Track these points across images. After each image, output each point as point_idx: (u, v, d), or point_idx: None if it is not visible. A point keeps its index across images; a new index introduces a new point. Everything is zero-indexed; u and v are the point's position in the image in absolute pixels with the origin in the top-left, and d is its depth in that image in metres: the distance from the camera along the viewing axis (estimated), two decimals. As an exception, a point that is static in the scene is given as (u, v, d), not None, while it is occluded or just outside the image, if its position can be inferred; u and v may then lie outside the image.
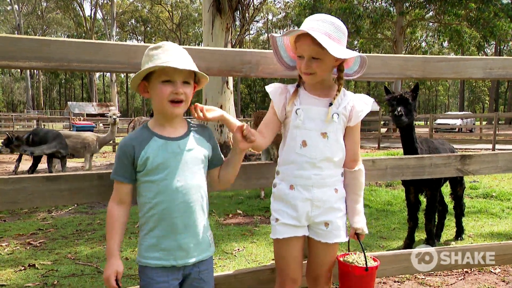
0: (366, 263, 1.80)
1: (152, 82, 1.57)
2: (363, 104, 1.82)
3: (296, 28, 1.72)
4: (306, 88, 1.83)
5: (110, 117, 8.80)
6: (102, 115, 35.17)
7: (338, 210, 1.82)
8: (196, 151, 1.64)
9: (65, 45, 1.64)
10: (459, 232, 4.22)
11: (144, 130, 1.63)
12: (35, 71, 49.96)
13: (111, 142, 16.60)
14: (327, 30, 1.65)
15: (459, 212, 4.23)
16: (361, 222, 1.85)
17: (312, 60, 1.69)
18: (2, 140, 7.56)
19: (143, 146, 1.57)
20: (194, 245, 1.61)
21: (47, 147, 7.42)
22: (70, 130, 15.92)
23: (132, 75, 1.72)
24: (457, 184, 4.19)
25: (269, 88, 1.87)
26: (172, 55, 1.53)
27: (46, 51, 1.61)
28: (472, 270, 3.32)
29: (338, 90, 1.79)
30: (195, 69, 1.56)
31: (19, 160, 8.96)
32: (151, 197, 1.58)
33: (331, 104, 1.76)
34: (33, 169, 8.03)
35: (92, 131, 16.72)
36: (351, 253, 1.91)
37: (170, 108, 1.56)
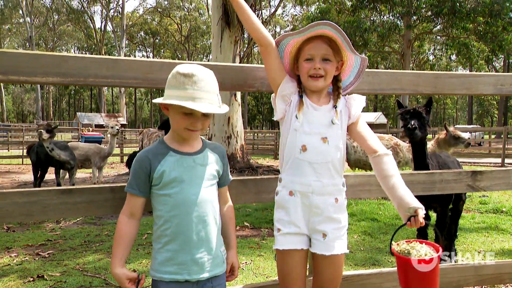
0: (440, 243, 1.63)
1: (173, 107, 1.56)
2: (359, 98, 1.88)
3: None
4: (306, 95, 1.85)
5: (112, 127, 8.35)
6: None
7: (336, 221, 1.81)
8: (209, 166, 1.67)
9: (83, 61, 1.68)
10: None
11: (161, 144, 1.66)
12: (45, 82, 50.56)
13: (120, 153, 16.85)
14: (340, 33, 1.71)
15: (454, 230, 4.02)
16: (417, 200, 1.71)
17: (323, 62, 1.74)
18: (42, 131, 7.28)
19: (159, 160, 1.59)
20: (208, 260, 1.62)
21: (64, 153, 7.42)
22: (78, 141, 16.05)
23: (143, 89, 1.74)
24: (459, 198, 4.00)
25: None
26: (200, 90, 1.52)
27: (63, 67, 1.65)
28: None
29: (338, 97, 1.83)
30: (217, 110, 1.56)
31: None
32: (166, 210, 1.59)
33: (335, 107, 1.80)
34: (40, 180, 8.08)
35: (100, 142, 16.82)
36: (401, 242, 1.75)
37: (187, 134, 1.60)
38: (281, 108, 1.83)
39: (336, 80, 1.85)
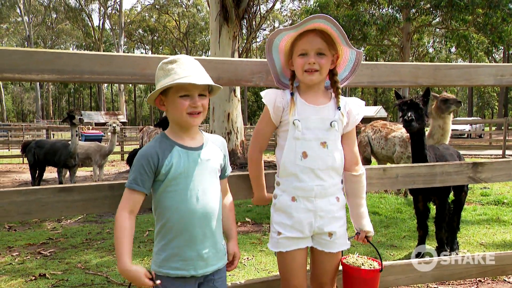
0: (381, 261, 1.87)
1: (169, 96, 1.58)
2: (358, 107, 1.85)
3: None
4: (301, 96, 1.81)
5: (110, 125, 8.46)
6: (110, 123, 35.32)
7: (340, 219, 1.83)
8: (213, 161, 1.66)
9: (78, 58, 1.66)
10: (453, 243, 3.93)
11: (164, 139, 1.62)
12: (44, 81, 50.77)
13: (120, 151, 16.83)
14: (336, 26, 1.68)
15: (457, 223, 4.00)
16: (369, 225, 1.91)
17: (318, 56, 1.71)
18: (75, 116, 7.20)
19: (166, 155, 1.56)
20: (213, 254, 1.63)
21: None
22: (79, 139, 16.00)
23: (141, 86, 1.74)
24: (461, 190, 3.99)
25: (266, 97, 1.82)
26: (188, 69, 1.55)
27: (58, 64, 1.63)
28: (486, 279, 3.27)
29: (337, 94, 1.81)
30: (211, 82, 1.58)
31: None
32: (172, 206, 1.57)
33: (339, 108, 1.79)
34: (39, 179, 8.07)
35: (100, 140, 16.81)
36: (349, 255, 1.96)
37: (189, 120, 1.58)
38: (277, 116, 1.81)
39: (332, 74, 1.82)
